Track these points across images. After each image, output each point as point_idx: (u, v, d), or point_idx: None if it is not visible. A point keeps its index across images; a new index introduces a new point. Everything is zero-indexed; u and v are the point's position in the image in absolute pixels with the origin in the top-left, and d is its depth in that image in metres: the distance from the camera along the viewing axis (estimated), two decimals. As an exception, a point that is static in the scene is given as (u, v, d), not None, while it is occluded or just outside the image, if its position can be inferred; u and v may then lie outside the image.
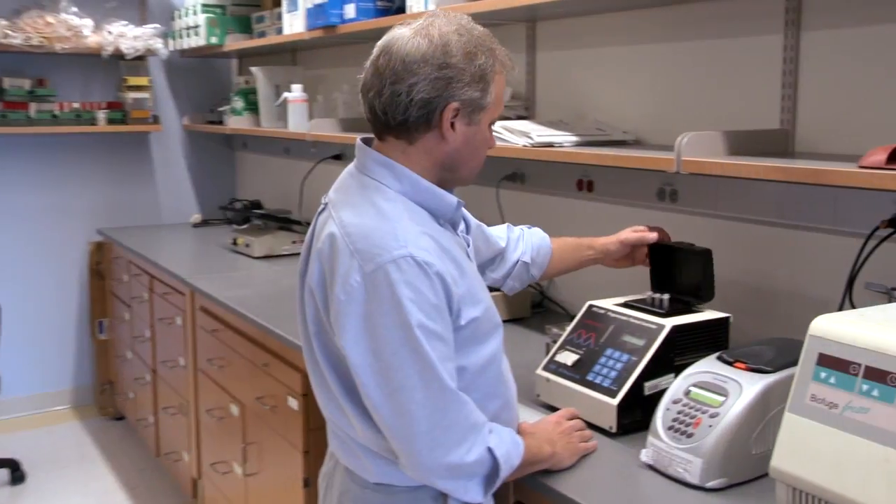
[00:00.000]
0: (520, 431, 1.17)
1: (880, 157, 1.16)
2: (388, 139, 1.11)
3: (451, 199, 1.13)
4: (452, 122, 1.08)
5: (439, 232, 1.10)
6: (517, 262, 1.46)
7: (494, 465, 1.06)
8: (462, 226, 1.21)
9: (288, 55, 3.30)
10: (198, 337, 2.48)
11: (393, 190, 1.09)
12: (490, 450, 1.06)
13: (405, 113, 1.06)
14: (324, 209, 1.14)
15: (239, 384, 2.18)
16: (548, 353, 1.46)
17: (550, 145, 1.70)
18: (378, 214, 1.06)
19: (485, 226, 1.44)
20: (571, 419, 1.28)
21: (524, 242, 1.48)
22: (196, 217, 3.60)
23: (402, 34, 1.07)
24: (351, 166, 1.16)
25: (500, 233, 1.47)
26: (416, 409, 1.01)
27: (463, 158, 1.11)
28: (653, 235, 1.51)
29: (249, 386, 2.09)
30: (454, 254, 1.10)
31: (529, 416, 1.32)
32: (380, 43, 1.09)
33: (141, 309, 2.98)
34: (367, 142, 1.15)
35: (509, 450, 1.08)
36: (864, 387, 0.88)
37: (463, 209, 1.19)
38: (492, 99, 1.09)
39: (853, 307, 1.29)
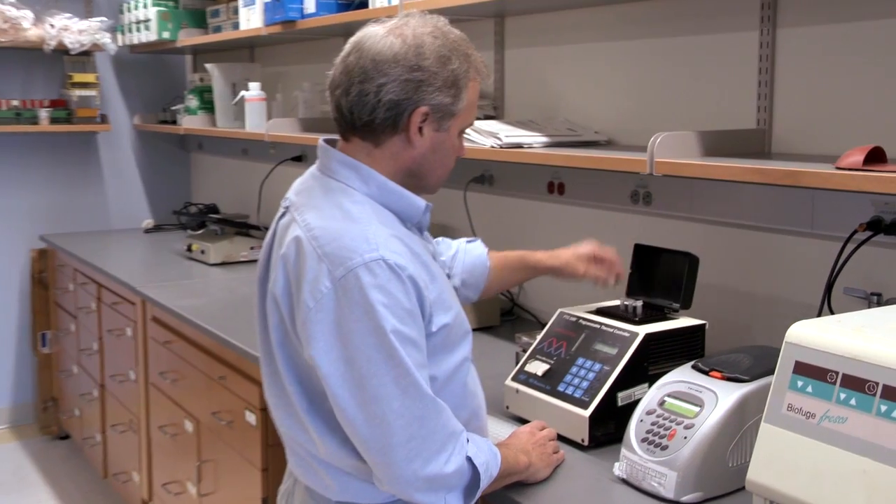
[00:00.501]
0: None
1: (857, 158, 1.15)
2: (354, 140, 1.09)
3: (420, 201, 1.11)
4: (420, 127, 1.06)
5: (408, 235, 1.08)
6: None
7: (474, 476, 1.04)
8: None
9: (245, 51, 3.24)
10: (149, 349, 2.41)
11: (360, 192, 1.07)
12: (469, 458, 1.03)
13: (372, 113, 1.04)
14: (284, 213, 1.11)
15: (193, 399, 2.11)
16: (517, 362, 1.44)
17: (520, 146, 1.68)
18: (345, 217, 1.03)
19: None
20: (542, 430, 1.25)
21: (457, 264, 1.37)
22: (148, 222, 3.50)
23: (375, 32, 1.05)
24: (313, 168, 1.13)
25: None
26: (394, 419, 0.98)
27: (429, 165, 1.09)
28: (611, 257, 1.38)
29: (205, 400, 2.03)
30: (424, 258, 1.07)
31: (499, 429, 1.28)
32: (352, 39, 1.08)
33: (88, 320, 2.89)
34: (330, 143, 1.12)
35: (488, 459, 1.06)
36: (842, 395, 0.87)
37: None
38: (463, 106, 1.08)
39: (832, 313, 1.28)
